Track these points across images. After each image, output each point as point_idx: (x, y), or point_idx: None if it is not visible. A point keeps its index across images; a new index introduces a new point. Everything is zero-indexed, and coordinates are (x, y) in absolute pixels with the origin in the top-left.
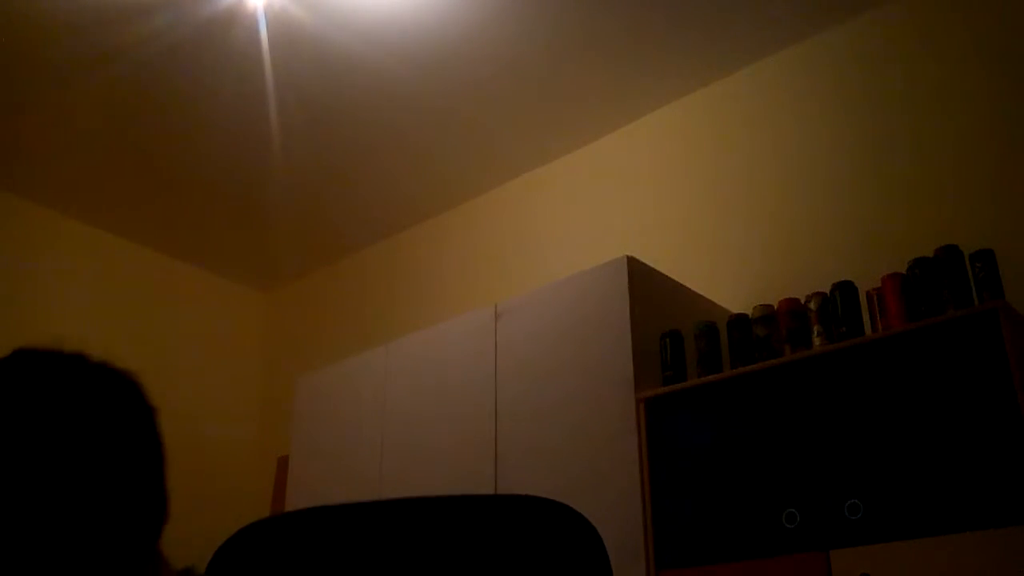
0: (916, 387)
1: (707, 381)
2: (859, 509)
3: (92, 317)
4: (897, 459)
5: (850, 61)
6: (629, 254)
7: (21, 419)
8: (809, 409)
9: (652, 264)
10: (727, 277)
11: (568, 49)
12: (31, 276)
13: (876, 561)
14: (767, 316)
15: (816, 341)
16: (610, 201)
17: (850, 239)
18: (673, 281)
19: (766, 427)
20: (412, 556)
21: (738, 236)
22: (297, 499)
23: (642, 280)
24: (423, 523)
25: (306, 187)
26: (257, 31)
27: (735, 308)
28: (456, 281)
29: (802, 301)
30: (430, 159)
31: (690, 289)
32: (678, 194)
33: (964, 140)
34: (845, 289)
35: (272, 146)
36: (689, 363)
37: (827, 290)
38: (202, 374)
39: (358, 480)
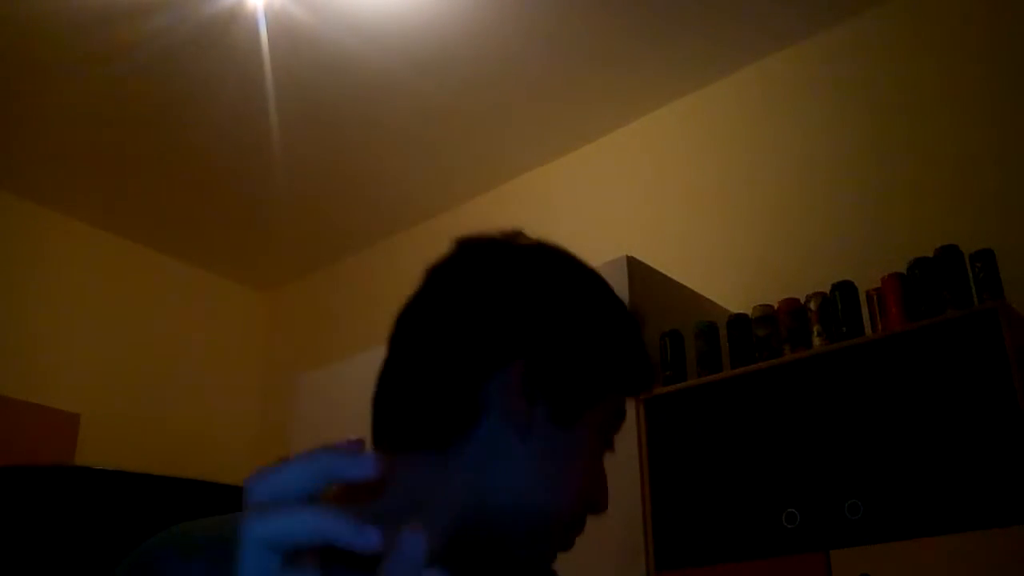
0: (916, 387)
1: (707, 381)
2: (859, 509)
3: (92, 317)
4: (897, 459)
5: (850, 61)
6: (629, 254)
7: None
8: (809, 409)
9: (652, 264)
10: (727, 277)
11: (568, 49)
12: (31, 276)
13: (876, 561)
14: (767, 316)
15: (816, 341)
16: (610, 201)
17: (850, 239)
18: (673, 281)
19: (766, 427)
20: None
21: (738, 236)
22: None
23: (642, 280)
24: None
25: (306, 187)
26: (257, 31)
27: (735, 308)
28: None
29: (802, 301)
30: (430, 159)
31: (690, 289)
32: (678, 194)
33: (964, 140)
34: (845, 289)
35: (272, 146)
36: (689, 363)
37: (827, 290)
38: (202, 374)
39: None
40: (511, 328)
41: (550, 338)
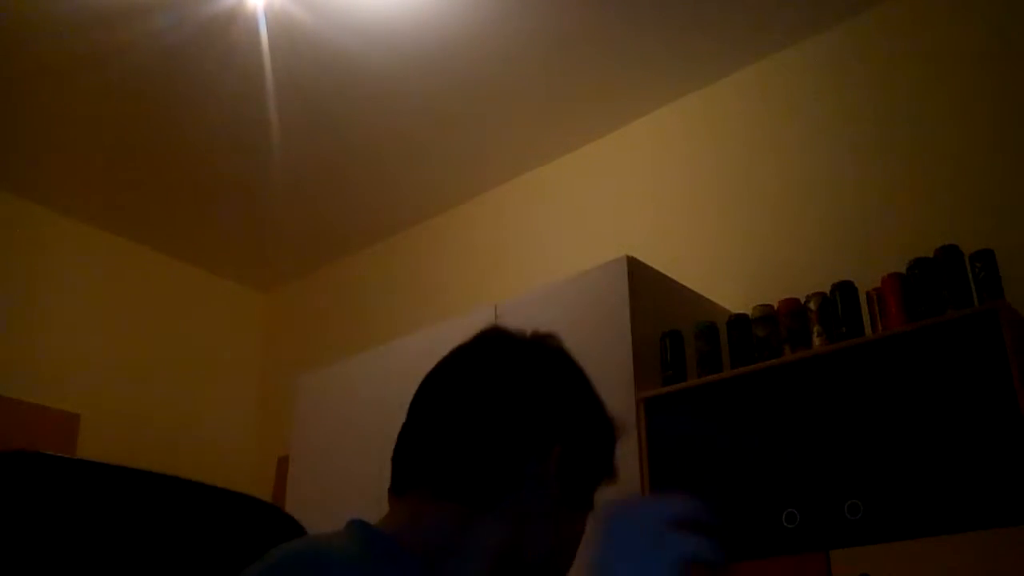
0: (916, 387)
1: (707, 381)
2: (859, 509)
3: (92, 317)
4: (897, 459)
5: (849, 61)
6: (629, 254)
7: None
8: (809, 409)
9: (652, 264)
10: (727, 277)
11: (567, 49)
12: (31, 276)
13: (876, 561)
14: (767, 316)
15: (816, 341)
16: (610, 201)
17: (850, 239)
18: (673, 281)
19: (766, 427)
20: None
21: (738, 236)
22: (297, 499)
23: (642, 280)
24: (131, 493)
25: (306, 187)
26: (257, 31)
27: (735, 308)
28: (456, 281)
29: (802, 301)
30: (430, 159)
31: (690, 289)
32: (678, 194)
33: (964, 140)
34: (845, 289)
35: (272, 146)
36: (689, 363)
37: (827, 290)
38: (202, 374)
39: (358, 480)
40: (552, 420)
41: (578, 432)
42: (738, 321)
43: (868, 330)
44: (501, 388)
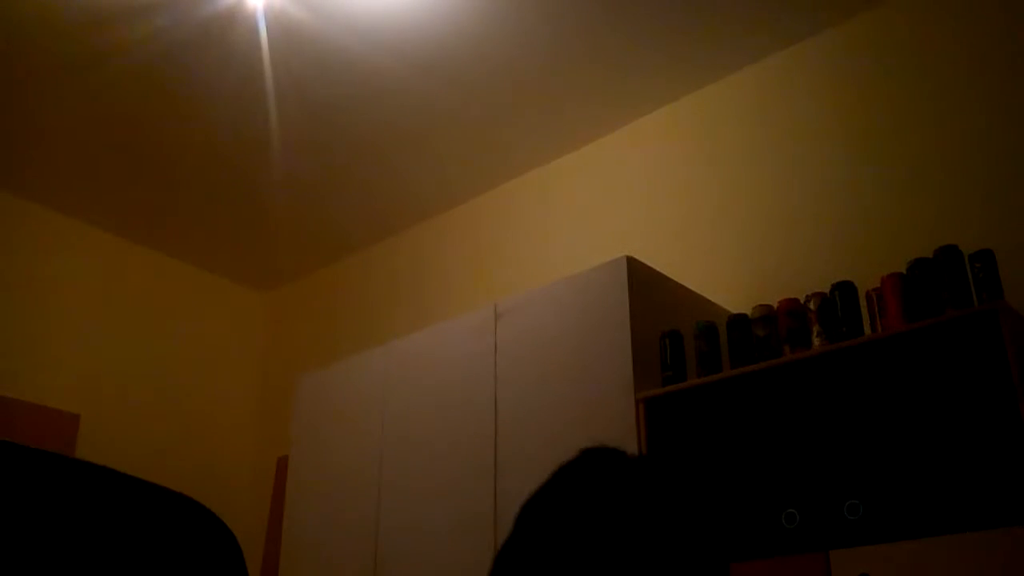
0: (916, 387)
1: (707, 381)
2: (859, 509)
3: (92, 317)
4: (897, 459)
5: (848, 61)
6: (629, 254)
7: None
8: (809, 409)
9: (652, 264)
10: (727, 277)
11: (568, 49)
12: (31, 276)
13: (876, 561)
14: (767, 316)
15: (816, 341)
16: (610, 201)
17: (850, 239)
18: (673, 281)
19: (766, 427)
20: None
21: (737, 236)
22: (297, 499)
23: (642, 280)
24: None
25: (306, 186)
26: (257, 31)
27: (735, 308)
28: (456, 281)
29: (802, 301)
30: (429, 159)
31: (690, 289)
32: (677, 194)
33: (963, 140)
34: (845, 289)
35: (272, 146)
36: (689, 363)
37: (827, 290)
38: (202, 374)
39: (358, 480)
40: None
41: None
42: (738, 321)
43: (868, 330)
44: (563, 539)
